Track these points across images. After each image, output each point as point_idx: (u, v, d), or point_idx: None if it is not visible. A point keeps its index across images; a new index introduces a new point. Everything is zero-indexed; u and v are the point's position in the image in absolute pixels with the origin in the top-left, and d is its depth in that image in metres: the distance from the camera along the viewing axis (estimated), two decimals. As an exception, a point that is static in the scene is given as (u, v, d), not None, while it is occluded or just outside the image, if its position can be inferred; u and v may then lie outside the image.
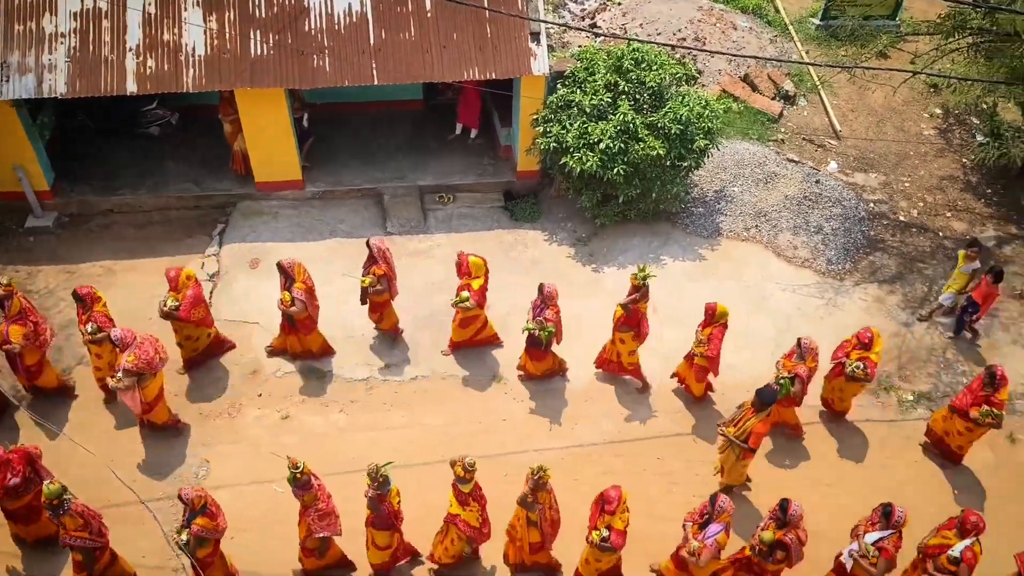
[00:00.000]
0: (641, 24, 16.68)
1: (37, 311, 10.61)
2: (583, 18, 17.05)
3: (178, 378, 11.28)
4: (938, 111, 16.26)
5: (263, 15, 12.43)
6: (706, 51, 14.87)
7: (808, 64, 16.39)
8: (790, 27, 17.42)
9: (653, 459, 10.79)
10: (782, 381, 10.10)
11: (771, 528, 8.55)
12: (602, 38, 16.17)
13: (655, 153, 12.44)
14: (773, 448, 10.92)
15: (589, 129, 12.56)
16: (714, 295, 11.07)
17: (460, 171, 14.42)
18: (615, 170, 12.46)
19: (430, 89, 15.23)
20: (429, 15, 12.71)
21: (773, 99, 15.92)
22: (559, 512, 8.99)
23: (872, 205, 14.31)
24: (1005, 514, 10.24)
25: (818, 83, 16.21)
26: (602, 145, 12.40)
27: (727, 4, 17.59)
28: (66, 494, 8.29)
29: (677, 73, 13.44)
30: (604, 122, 12.60)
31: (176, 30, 12.28)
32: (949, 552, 8.55)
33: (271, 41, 12.37)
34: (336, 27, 12.54)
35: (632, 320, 10.75)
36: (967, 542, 8.53)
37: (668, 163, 12.80)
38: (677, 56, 15.82)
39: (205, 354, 11.35)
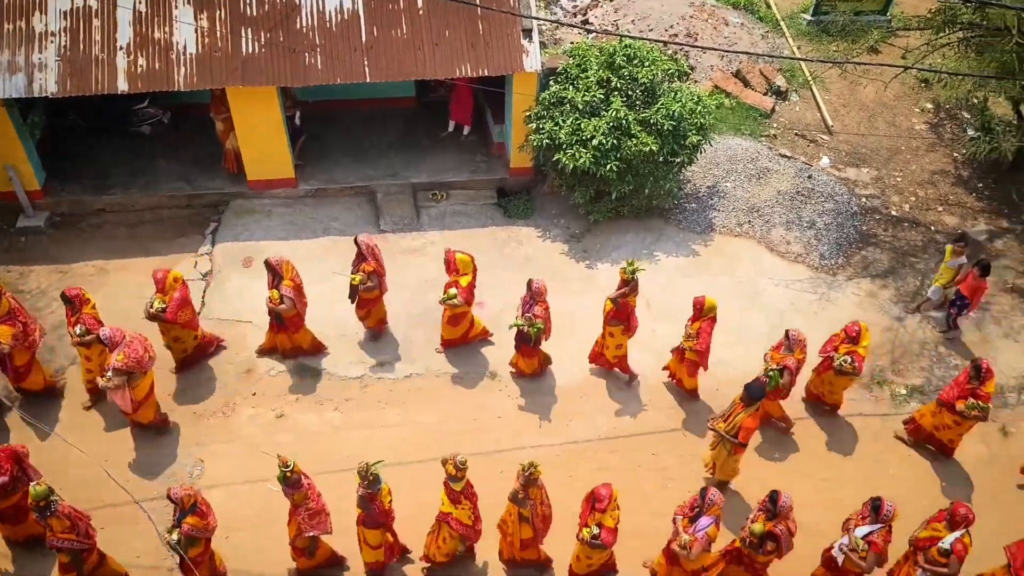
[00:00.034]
0: (633, 20, 16.69)
1: (26, 311, 10.56)
2: (575, 14, 17.05)
3: (172, 378, 11.26)
4: (929, 106, 16.31)
5: (254, 13, 12.39)
6: (698, 47, 14.89)
7: (800, 60, 16.42)
8: (781, 23, 17.45)
9: (648, 455, 10.82)
10: (771, 373, 10.16)
11: (761, 520, 8.59)
12: (594, 34, 16.17)
13: (648, 149, 12.46)
14: (766, 443, 10.97)
15: (582, 125, 12.57)
16: (707, 291, 11.10)
17: (453, 168, 14.42)
18: (608, 166, 12.48)
19: (422, 86, 15.21)
20: (421, 12, 12.69)
21: (765, 95, 15.96)
22: (551, 507, 9.02)
23: (864, 200, 14.36)
24: (996, 506, 10.30)
25: (810, 78, 16.25)
26: (595, 141, 12.41)
27: (719, 0, 17.61)
28: (53, 495, 8.23)
29: (669, 69, 13.46)
30: (597, 118, 12.61)
31: (167, 28, 12.24)
32: (939, 544, 8.60)
33: (263, 39, 12.34)
34: (328, 25, 12.51)
35: (622, 314, 10.79)
36: (957, 534, 8.59)
37: (661, 159, 12.82)
38: (669, 52, 15.82)
39: (195, 355, 11.32)
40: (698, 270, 13.03)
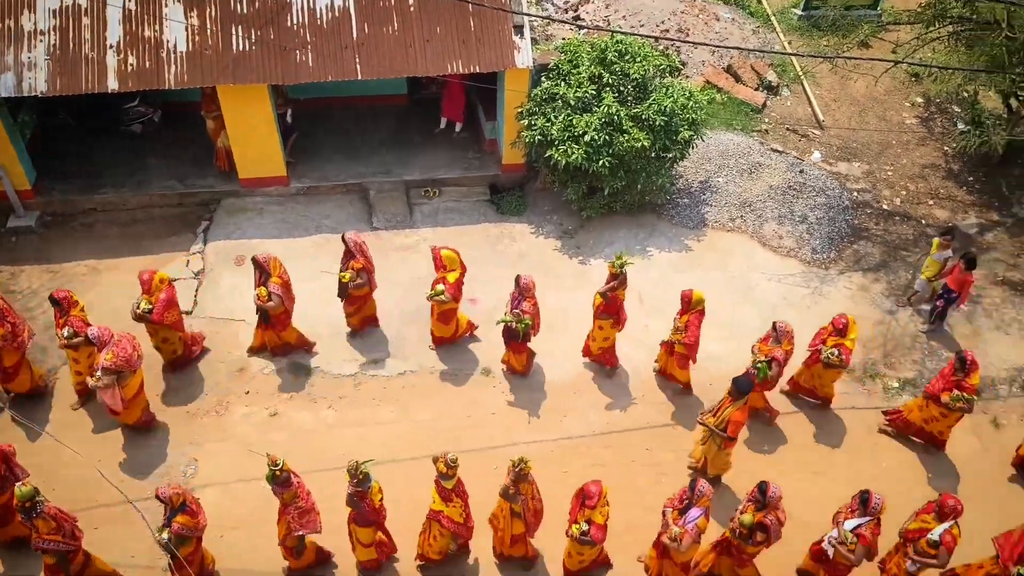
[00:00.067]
0: (624, 16, 16.69)
1: (15, 312, 10.52)
2: (566, 10, 17.04)
3: (165, 377, 11.24)
4: (919, 100, 16.36)
5: (245, 11, 12.36)
6: (689, 42, 14.89)
7: (791, 55, 16.45)
8: (772, 18, 17.48)
9: (642, 450, 10.85)
10: (759, 365, 10.21)
11: (751, 511, 8.64)
12: (585, 30, 16.18)
13: (640, 145, 12.47)
14: (757, 436, 11.00)
15: (574, 121, 12.57)
16: (700, 286, 11.12)
17: (445, 165, 14.41)
18: (600, 162, 12.49)
19: (414, 83, 15.19)
20: (412, 9, 12.67)
21: (756, 90, 15.98)
22: (542, 502, 9.04)
23: (856, 194, 14.40)
24: (987, 498, 10.35)
25: (801, 73, 16.28)
26: (587, 137, 12.42)
27: (710, -5, 17.62)
28: (38, 496, 8.18)
29: (661, 65, 13.47)
30: (589, 114, 12.62)
31: (157, 26, 12.20)
32: (928, 536, 8.66)
33: (253, 37, 12.30)
34: (318, 22, 12.48)
35: (611, 308, 10.84)
36: (946, 525, 8.64)
37: (653, 155, 12.84)
38: (661, 48, 15.84)
39: (186, 356, 11.30)
40: (691, 265, 13.06)
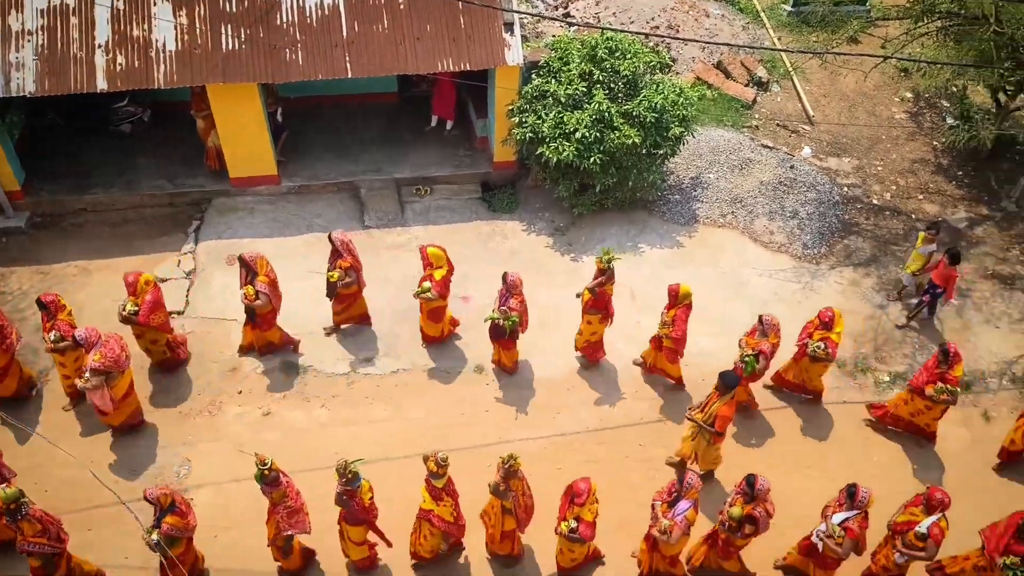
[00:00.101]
0: (614, 13, 16.71)
1: (3, 314, 10.47)
2: (556, 8, 17.04)
3: (158, 377, 11.22)
4: (909, 95, 16.43)
5: (234, 9, 12.32)
6: (679, 39, 14.92)
7: (780, 50, 16.49)
8: (762, 14, 17.52)
9: (635, 446, 10.88)
10: (747, 359, 10.25)
11: (739, 503, 8.69)
12: (576, 27, 16.18)
13: (631, 142, 12.49)
14: (746, 430, 11.05)
15: (565, 119, 12.58)
16: (691, 282, 11.14)
17: (437, 163, 14.40)
18: (591, 159, 12.50)
19: (405, 81, 15.17)
20: (402, 7, 12.65)
21: (746, 86, 16.02)
22: (532, 498, 9.06)
23: (846, 189, 14.46)
24: (974, 491, 10.42)
25: (790, 69, 16.32)
26: (578, 134, 12.43)
27: (700, -9, 17.65)
28: (23, 498, 8.14)
29: (651, 61, 13.49)
30: (579, 111, 12.63)
31: (146, 26, 12.15)
32: (916, 528, 8.71)
33: (243, 35, 12.27)
34: (308, 20, 12.46)
35: (600, 303, 10.90)
36: (934, 518, 8.69)
37: (644, 151, 12.86)
38: (651, 44, 15.86)
39: (175, 357, 11.27)
40: (682, 261, 13.09)
